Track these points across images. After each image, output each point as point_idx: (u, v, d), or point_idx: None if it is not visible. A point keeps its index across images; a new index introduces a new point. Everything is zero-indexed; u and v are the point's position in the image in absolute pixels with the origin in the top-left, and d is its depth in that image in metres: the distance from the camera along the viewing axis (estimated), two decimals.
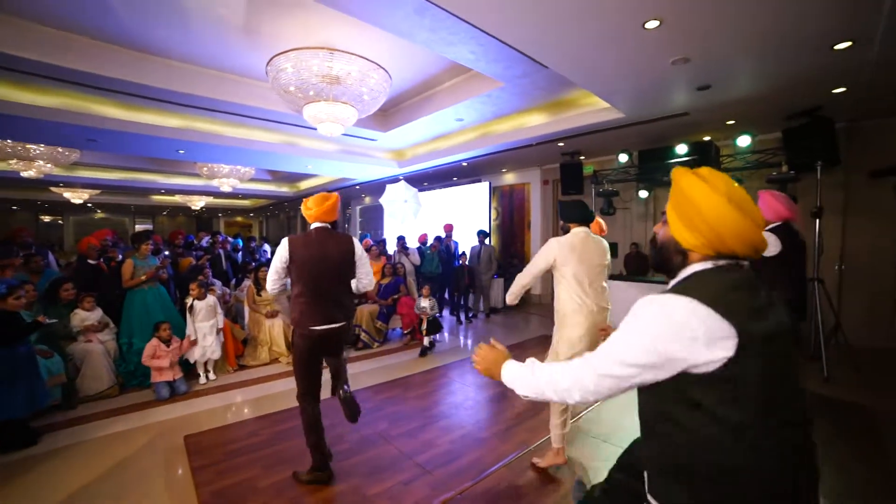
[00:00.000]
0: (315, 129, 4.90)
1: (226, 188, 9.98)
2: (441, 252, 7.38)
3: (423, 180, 10.62)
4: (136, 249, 4.48)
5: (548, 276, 2.73)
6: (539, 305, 8.59)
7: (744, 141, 5.33)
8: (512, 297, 2.78)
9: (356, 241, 2.68)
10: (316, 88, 4.25)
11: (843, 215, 5.50)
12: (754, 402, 0.91)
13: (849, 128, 5.36)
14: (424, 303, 5.52)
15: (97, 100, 5.21)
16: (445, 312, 7.87)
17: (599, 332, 2.39)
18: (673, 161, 5.94)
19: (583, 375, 1.07)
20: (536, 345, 5.66)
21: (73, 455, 2.98)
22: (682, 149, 5.77)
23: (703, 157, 5.72)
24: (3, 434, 3.01)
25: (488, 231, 8.61)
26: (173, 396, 3.97)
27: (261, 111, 5.62)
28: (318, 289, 2.49)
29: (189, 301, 4.35)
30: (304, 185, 13.44)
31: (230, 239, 8.80)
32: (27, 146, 6.92)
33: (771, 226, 3.02)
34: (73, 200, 12.39)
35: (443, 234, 7.80)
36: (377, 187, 10.96)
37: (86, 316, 4.07)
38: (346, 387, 2.72)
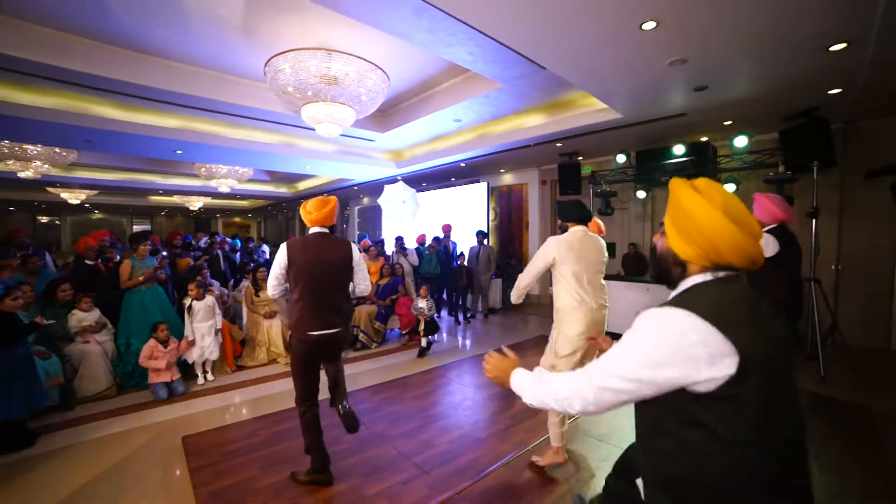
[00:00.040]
0: (313, 129, 4.91)
1: (224, 189, 9.97)
2: (439, 252, 7.39)
3: (422, 181, 10.63)
4: (134, 250, 4.47)
5: (546, 277, 2.74)
6: (538, 306, 8.60)
7: (741, 142, 5.35)
8: (516, 297, 2.81)
9: (354, 246, 2.69)
10: (314, 89, 4.26)
11: (839, 216, 5.53)
12: (754, 419, 0.91)
13: (845, 128, 5.38)
14: (422, 303, 5.52)
15: (95, 100, 5.21)
16: (444, 313, 7.88)
17: (590, 341, 2.39)
18: (670, 161, 5.97)
19: (582, 387, 1.07)
20: (534, 345, 5.66)
21: (70, 456, 2.97)
22: (679, 149, 5.79)
23: (700, 157, 5.75)
24: (0, 435, 3.00)
25: (486, 231, 8.62)
26: (171, 397, 3.96)
27: (259, 112, 5.63)
28: (316, 293, 2.49)
29: (187, 301, 4.34)
30: (303, 185, 13.44)
31: (228, 239, 8.79)
32: (24, 146, 6.92)
33: (768, 227, 3.04)
34: (70, 201, 12.36)
35: (441, 235, 7.81)
36: (375, 188, 10.97)
37: (83, 317, 4.06)
38: (345, 403, 2.73)
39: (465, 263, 7.67)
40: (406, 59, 4.69)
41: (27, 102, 4.85)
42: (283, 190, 14.10)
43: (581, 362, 2.76)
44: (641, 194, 6.95)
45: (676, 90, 4.24)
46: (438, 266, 7.27)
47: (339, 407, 2.69)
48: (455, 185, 10.22)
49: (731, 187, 5.73)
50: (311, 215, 2.55)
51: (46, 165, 7.55)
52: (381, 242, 8.34)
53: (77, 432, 3.32)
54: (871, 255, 5.38)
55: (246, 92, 5.26)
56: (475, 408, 3.80)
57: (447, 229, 7.89)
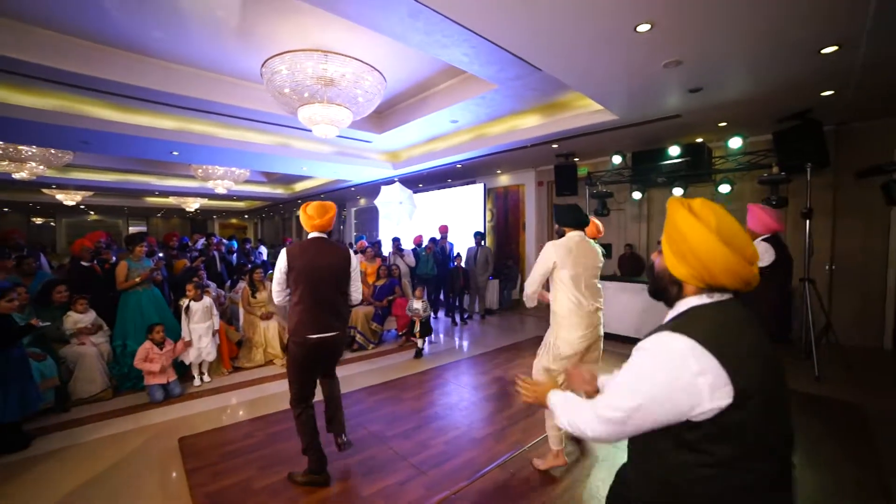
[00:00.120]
0: (310, 130, 4.90)
1: (220, 190, 9.94)
2: (436, 253, 7.39)
3: (418, 182, 10.63)
4: (130, 251, 4.46)
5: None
6: (535, 307, 8.56)
7: (735, 143, 5.40)
8: (529, 301, 2.83)
9: (353, 254, 2.76)
10: (311, 90, 4.26)
11: (832, 216, 5.57)
12: (747, 444, 0.93)
13: (838, 130, 5.43)
14: (417, 304, 5.52)
15: (93, 101, 5.20)
16: (441, 314, 7.89)
17: (562, 373, 2.55)
18: (666, 163, 6.00)
19: (591, 419, 1.09)
20: (531, 346, 5.67)
21: (66, 458, 2.96)
22: (675, 150, 5.83)
23: (695, 158, 5.79)
24: None
25: (483, 232, 8.63)
26: (167, 399, 3.95)
27: (256, 113, 5.62)
28: (315, 297, 2.53)
29: (185, 302, 4.33)
30: (300, 186, 13.42)
31: (225, 241, 8.77)
32: (19, 147, 6.87)
33: (763, 237, 3.07)
34: (65, 202, 12.30)
35: (438, 236, 7.82)
36: (372, 189, 10.97)
37: (79, 318, 4.04)
38: (343, 436, 2.80)
39: (463, 264, 7.68)
40: (403, 61, 4.70)
41: (25, 104, 4.84)
42: (279, 191, 14.08)
43: (579, 366, 2.80)
44: (637, 195, 6.99)
45: (671, 92, 4.26)
46: (435, 267, 7.28)
47: (338, 440, 2.78)
48: (452, 186, 10.23)
49: (725, 188, 5.79)
50: (314, 221, 2.59)
51: (41, 167, 7.50)
52: (378, 243, 8.34)
53: (72, 434, 3.30)
54: (864, 255, 5.42)
55: (243, 93, 5.26)
56: (472, 408, 3.81)
57: (444, 230, 7.90)
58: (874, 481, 2.62)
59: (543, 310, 2.83)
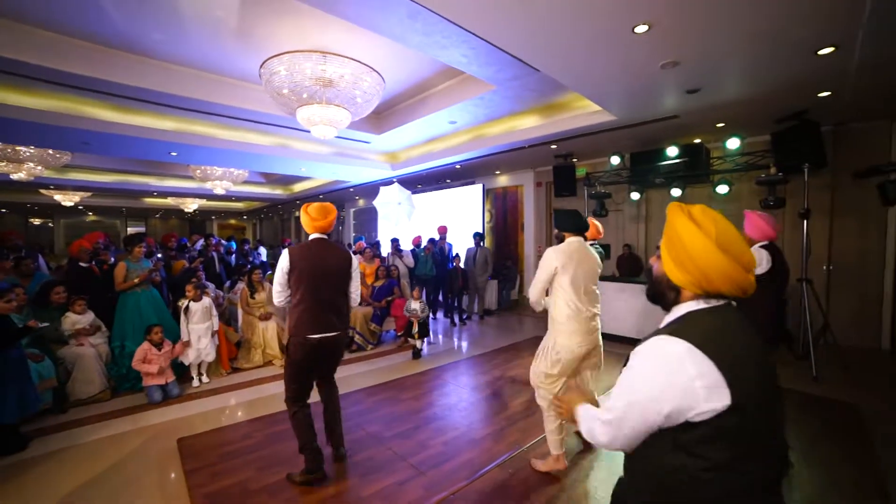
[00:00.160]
0: (309, 131, 4.91)
1: (219, 191, 9.93)
2: (435, 254, 7.40)
3: (417, 182, 10.64)
4: (129, 252, 4.46)
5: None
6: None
7: (733, 143, 5.42)
8: (536, 307, 2.82)
9: (354, 255, 2.80)
10: (309, 91, 4.27)
11: (830, 216, 5.59)
12: (744, 446, 0.95)
13: (835, 131, 5.45)
14: (414, 305, 5.52)
15: (93, 103, 5.21)
16: (440, 314, 7.89)
17: (554, 401, 2.48)
18: (664, 163, 6.02)
19: (597, 426, 1.13)
20: (530, 346, 5.68)
21: (64, 459, 2.96)
22: (673, 151, 5.85)
23: (693, 159, 5.81)
24: None
25: (482, 233, 8.64)
26: (166, 400, 3.95)
27: (255, 114, 5.63)
28: (317, 296, 2.55)
29: (184, 303, 4.33)
30: (298, 187, 13.42)
31: (223, 242, 8.76)
32: (17, 148, 6.86)
33: (760, 244, 3.08)
34: (63, 203, 12.27)
35: (437, 237, 7.82)
36: (371, 189, 10.96)
37: (77, 319, 4.03)
38: (342, 448, 2.83)
39: (462, 265, 7.69)
40: (401, 62, 4.71)
41: (26, 105, 4.84)
42: (278, 192, 14.07)
43: (579, 370, 2.83)
44: (636, 196, 7.01)
45: (669, 92, 4.28)
46: (434, 268, 7.28)
47: (336, 453, 2.81)
48: (450, 187, 10.23)
49: (723, 189, 5.80)
50: (318, 222, 2.62)
51: (39, 167, 7.49)
52: (377, 244, 8.34)
53: (71, 435, 3.30)
54: (861, 255, 5.44)
55: (242, 94, 5.26)
56: (470, 409, 3.81)
57: (443, 231, 7.90)
58: (871, 481, 2.63)
59: (542, 311, 2.83)
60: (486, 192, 9.60)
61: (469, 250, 7.76)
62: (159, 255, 6.25)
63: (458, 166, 8.45)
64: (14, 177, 7.64)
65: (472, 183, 9.79)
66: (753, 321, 1.08)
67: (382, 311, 6.00)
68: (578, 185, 7.17)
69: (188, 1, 3.53)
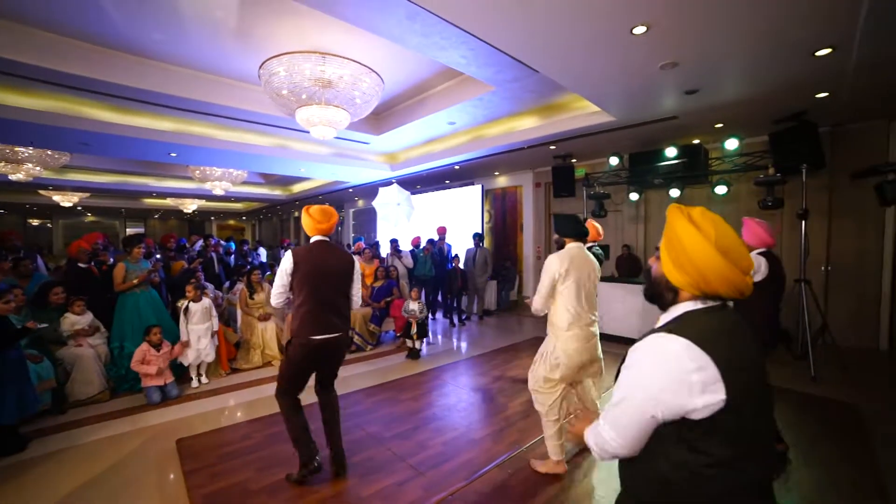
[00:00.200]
0: (308, 132, 4.91)
1: (218, 191, 9.94)
2: (434, 255, 7.41)
3: (416, 183, 10.65)
4: (128, 253, 4.45)
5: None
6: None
7: (731, 144, 5.43)
8: (540, 312, 2.79)
9: (356, 258, 2.83)
10: (308, 92, 4.27)
11: (828, 217, 5.61)
12: (744, 443, 0.96)
13: (833, 131, 5.47)
14: (412, 305, 5.51)
15: (93, 103, 5.21)
16: (439, 315, 7.90)
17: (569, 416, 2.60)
18: (663, 164, 6.03)
19: (602, 431, 1.13)
20: (529, 346, 5.69)
21: (63, 460, 2.95)
22: (671, 152, 5.86)
23: (692, 160, 5.82)
24: None
25: (482, 233, 8.64)
26: (165, 400, 3.94)
27: (254, 115, 5.63)
28: (320, 298, 2.56)
29: (184, 303, 4.33)
30: (297, 188, 13.42)
31: (222, 242, 8.75)
32: (15, 149, 6.85)
33: (758, 251, 3.08)
34: (62, 203, 12.26)
35: (436, 237, 7.83)
36: (370, 190, 10.97)
37: (76, 320, 4.03)
38: (343, 462, 2.78)
39: (461, 265, 7.69)
40: (400, 63, 4.71)
41: (25, 105, 4.85)
42: (277, 192, 14.07)
43: (580, 379, 2.85)
44: (634, 196, 7.01)
45: (668, 93, 4.29)
46: (433, 268, 7.29)
47: (334, 460, 2.74)
48: (449, 188, 10.25)
49: (722, 189, 5.82)
50: (321, 225, 2.64)
51: (38, 168, 7.49)
52: (376, 245, 8.34)
53: (70, 436, 3.29)
54: (859, 256, 5.46)
55: (241, 95, 5.27)
56: (470, 409, 3.81)
57: (442, 231, 7.91)
58: (870, 481, 2.63)
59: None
60: (486, 193, 9.61)
61: (468, 251, 7.76)
62: (158, 256, 6.23)
63: (457, 167, 8.46)
64: (13, 177, 7.64)
65: (472, 183, 9.80)
66: (750, 323, 1.10)
67: (381, 312, 6.00)
68: (577, 185, 7.18)
69: (188, 1, 3.54)
